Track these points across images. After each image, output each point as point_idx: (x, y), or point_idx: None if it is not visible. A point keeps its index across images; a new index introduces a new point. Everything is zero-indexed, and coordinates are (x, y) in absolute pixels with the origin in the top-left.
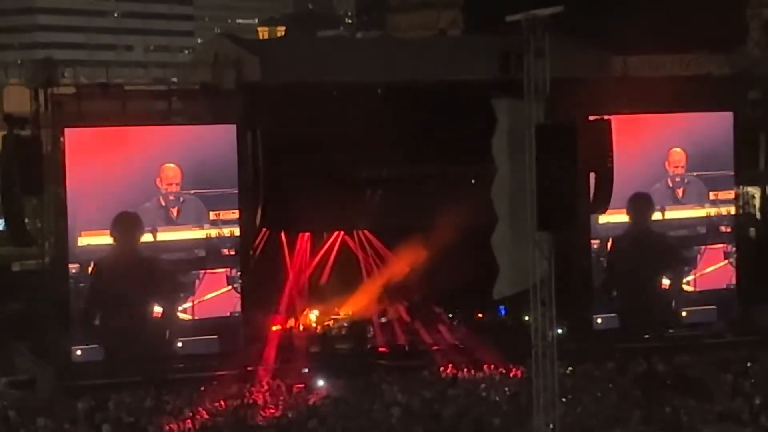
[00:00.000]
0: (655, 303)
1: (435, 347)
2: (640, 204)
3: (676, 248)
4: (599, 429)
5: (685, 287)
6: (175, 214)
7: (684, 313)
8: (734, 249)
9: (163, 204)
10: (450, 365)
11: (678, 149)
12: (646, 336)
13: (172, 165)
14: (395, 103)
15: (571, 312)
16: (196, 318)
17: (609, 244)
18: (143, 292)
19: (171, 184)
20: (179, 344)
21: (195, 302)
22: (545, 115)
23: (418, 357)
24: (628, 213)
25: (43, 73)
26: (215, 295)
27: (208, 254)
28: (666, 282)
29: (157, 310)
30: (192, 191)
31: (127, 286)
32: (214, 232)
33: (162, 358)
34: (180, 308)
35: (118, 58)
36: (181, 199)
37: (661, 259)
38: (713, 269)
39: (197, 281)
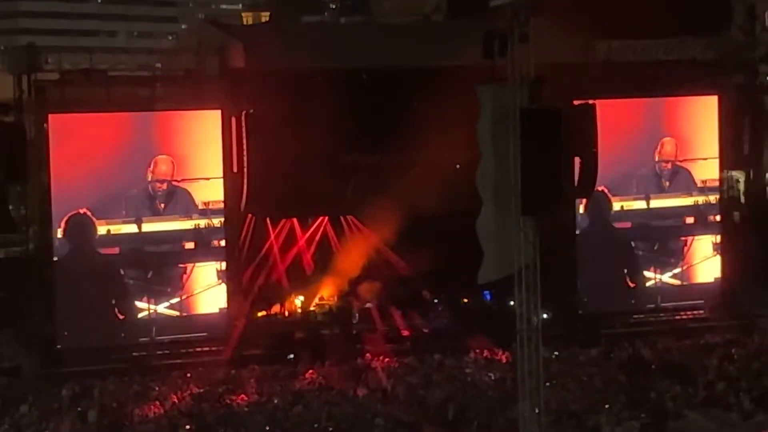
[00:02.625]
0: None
1: (420, 332)
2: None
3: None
4: (584, 414)
5: (671, 281)
6: (162, 203)
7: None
8: (720, 234)
9: (150, 193)
10: (435, 350)
11: (669, 138)
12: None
13: (164, 156)
14: (380, 89)
15: (556, 297)
16: (183, 315)
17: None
18: (112, 291)
19: (163, 179)
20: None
21: (183, 298)
22: (529, 99)
23: (403, 342)
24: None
25: (26, 59)
26: (205, 290)
27: (197, 246)
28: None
29: (142, 307)
30: (180, 179)
31: (96, 288)
32: (203, 223)
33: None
34: (165, 305)
35: (101, 44)
36: (169, 188)
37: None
38: (701, 261)
39: (185, 275)
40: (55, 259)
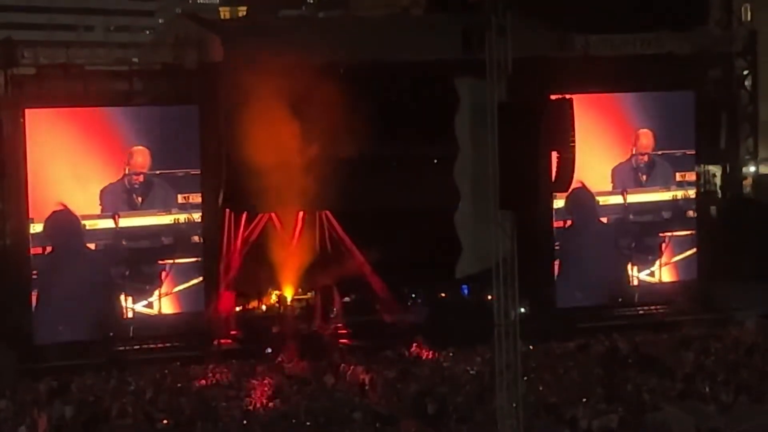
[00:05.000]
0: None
1: (398, 326)
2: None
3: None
4: (562, 407)
5: (648, 275)
6: (140, 197)
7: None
8: (696, 229)
9: (128, 187)
10: (413, 344)
11: (646, 130)
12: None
13: (141, 147)
14: (357, 83)
15: (534, 291)
16: (161, 311)
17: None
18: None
19: (140, 171)
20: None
21: (161, 294)
22: (507, 94)
23: (381, 336)
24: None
25: (3, 53)
26: (183, 286)
27: (176, 242)
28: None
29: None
30: (158, 172)
31: (75, 284)
32: (182, 218)
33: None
34: (144, 303)
35: (78, 38)
36: (148, 181)
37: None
38: (678, 255)
39: (164, 272)
40: (33, 254)
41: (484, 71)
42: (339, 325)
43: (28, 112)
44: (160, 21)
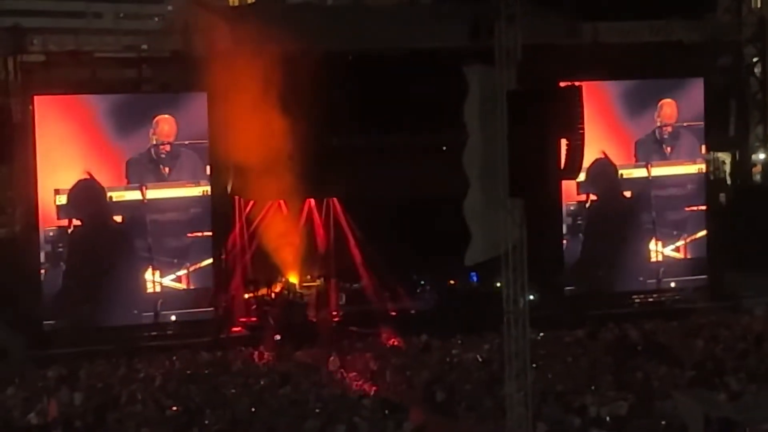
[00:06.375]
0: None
1: (407, 313)
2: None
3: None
4: (570, 395)
5: (674, 254)
6: (167, 168)
7: (672, 284)
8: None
9: (154, 157)
10: (422, 332)
11: (669, 100)
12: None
13: (166, 116)
14: (366, 71)
15: (543, 278)
16: (191, 288)
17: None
18: (114, 262)
19: (166, 140)
20: (173, 317)
21: (190, 269)
22: (516, 81)
23: (390, 324)
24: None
25: (12, 40)
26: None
27: (205, 214)
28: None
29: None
30: (186, 142)
31: (96, 259)
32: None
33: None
34: (172, 277)
35: (87, 25)
36: (174, 151)
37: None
38: (687, 243)
39: (191, 245)
40: (58, 227)
41: (493, 59)
42: (347, 312)
43: (37, 99)
44: (169, 8)
